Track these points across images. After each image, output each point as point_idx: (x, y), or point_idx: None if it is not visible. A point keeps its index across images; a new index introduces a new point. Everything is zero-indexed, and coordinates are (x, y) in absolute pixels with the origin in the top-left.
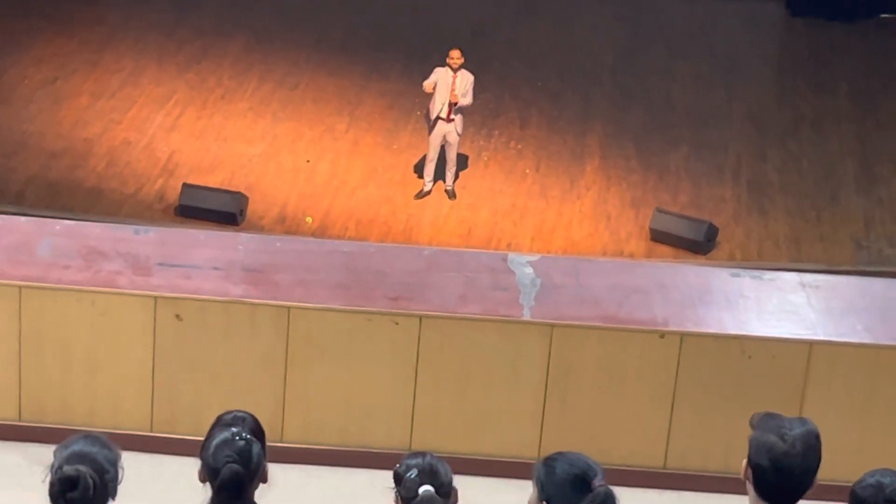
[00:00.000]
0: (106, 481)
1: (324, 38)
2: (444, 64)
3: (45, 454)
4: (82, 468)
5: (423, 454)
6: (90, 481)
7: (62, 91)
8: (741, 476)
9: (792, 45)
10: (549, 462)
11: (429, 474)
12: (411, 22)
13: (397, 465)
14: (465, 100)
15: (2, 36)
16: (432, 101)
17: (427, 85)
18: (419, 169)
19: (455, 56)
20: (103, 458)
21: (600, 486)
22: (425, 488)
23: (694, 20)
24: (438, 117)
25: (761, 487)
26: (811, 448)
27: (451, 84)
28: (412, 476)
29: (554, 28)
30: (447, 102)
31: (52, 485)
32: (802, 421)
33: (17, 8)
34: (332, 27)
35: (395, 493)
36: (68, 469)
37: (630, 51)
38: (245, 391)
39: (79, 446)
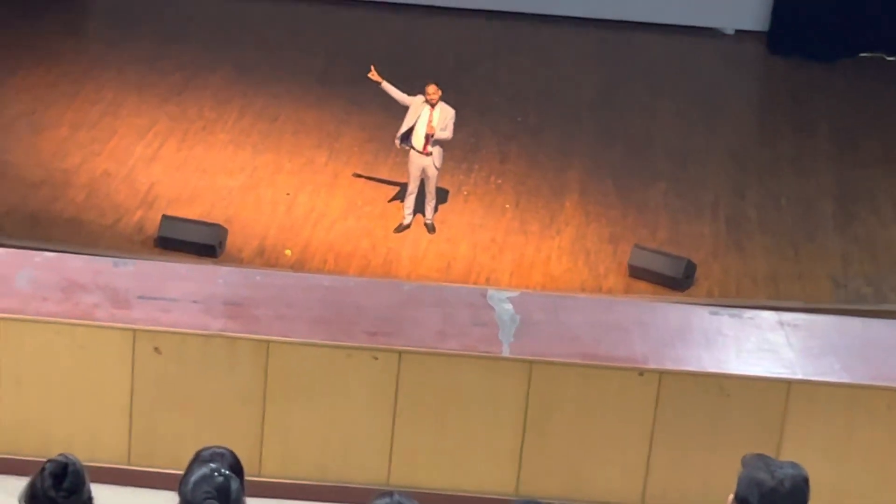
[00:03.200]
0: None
1: (304, 71)
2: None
3: (21, 487)
4: (69, 455)
5: (390, 493)
6: (79, 466)
7: (42, 122)
8: None
9: (772, 84)
10: None
11: None
12: (391, 56)
13: None
14: (444, 134)
15: None
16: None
17: (398, 95)
18: (399, 195)
19: (431, 91)
20: (80, 467)
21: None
22: None
23: (674, 58)
24: (413, 148)
25: None
26: (799, 489)
27: (428, 117)
28: None
29: (534, 64)
30: (424, 134)
31: (42, 483)
32: (793, 464)
33: None
34: (312, 60)
35: None
36: (57, 458)
37: (610, 87)
38: (223, 425)
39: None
